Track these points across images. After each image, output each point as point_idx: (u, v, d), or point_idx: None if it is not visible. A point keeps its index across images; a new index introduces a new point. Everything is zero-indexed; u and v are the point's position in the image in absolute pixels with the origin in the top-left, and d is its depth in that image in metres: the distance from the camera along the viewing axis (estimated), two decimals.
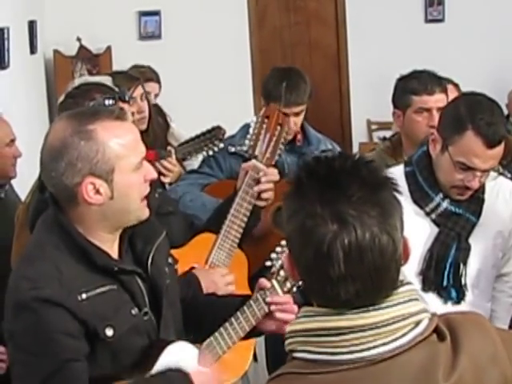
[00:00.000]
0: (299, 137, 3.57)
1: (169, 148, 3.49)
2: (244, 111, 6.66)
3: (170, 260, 2.20)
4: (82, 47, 6.83)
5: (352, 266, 1.30)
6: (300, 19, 7.67)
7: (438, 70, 3.43)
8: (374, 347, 1.31)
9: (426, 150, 2.72)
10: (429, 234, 2.70)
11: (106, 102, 2.63)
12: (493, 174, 2.76)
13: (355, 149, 7.51)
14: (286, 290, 2.31)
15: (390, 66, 5.58)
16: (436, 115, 3.20)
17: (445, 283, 2.71)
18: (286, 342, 1.40)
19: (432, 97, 3.27)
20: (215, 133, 3.42)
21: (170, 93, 5.33)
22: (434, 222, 2.71)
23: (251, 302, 2.26)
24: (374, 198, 1.32)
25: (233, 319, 2.25)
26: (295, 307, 2.23)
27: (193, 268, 2.79)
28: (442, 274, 2.70)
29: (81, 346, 1.91)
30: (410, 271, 2.64)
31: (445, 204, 2.69)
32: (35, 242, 2.03)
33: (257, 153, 3.04)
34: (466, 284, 2.73)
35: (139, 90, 3.61)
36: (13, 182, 3.73)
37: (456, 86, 3.79)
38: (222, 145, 3.41)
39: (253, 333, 2.30)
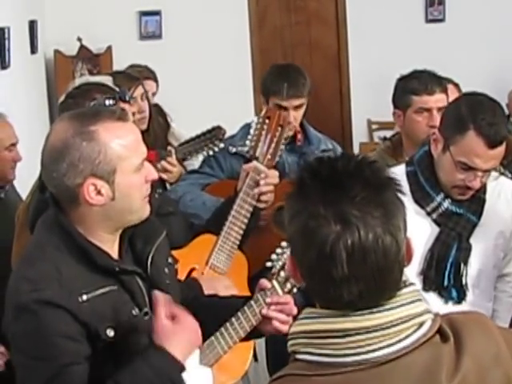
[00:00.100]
0: (300, 136, 3.57)
1: (169, 148, 3.49)
2: (244, 111, 6.67)
3: (169, 260, 2.20)
4: (82, 47, 6.84)
5: (355, 266, 1.29)
6: (300, 19, 7.67)
7: (438, 70, 3.43)
8: (380, 349, 1.31)
9: (428, 149, 2.72)
10: (430, 234, 2.70)
11: (107, 102, 2.62)
12: (494, 174, 2.76)
13: (356, 149, 7.51)
14: (286, 290, 2.32)
15: (391, 66, 5.57)
16: (436, 115, 3.20)
17: (445, 283, 2.71)
18: (289, 343, 1.39)
19: (432, 97, 3.27)
20: (215, 133, 3.42)
21: (170, 93, 5.33)
22: (435, 221, 2.71)
23: (252, 302, 2.26)
24: (377, 198, 1.31)
25: (233, 319, 2.25)
26: (295, 308, 2.23)
27: (193, 269, 2.79)
28: (443, 273, 2.70)
29: (81, 348, 1.90)
30: (411, 271, 2.63)
31: (446, 204, 2.69)
32: (35, 243, 2.03)
33: (258, 154, 3.04)
34: (466, 284, 2.73)
35: (140, 90, 3.61)
36: (13, 182, 3.73)
37: (456, 85, 3.79)
38: (222, 145, 3.41)
39: (253, 334, 2.30)
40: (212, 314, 2.28)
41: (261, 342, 3.71)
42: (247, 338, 2.32)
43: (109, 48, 6.90)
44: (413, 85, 3.30)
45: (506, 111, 6.18)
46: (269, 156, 3.04)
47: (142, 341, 2.01)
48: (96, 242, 1.97)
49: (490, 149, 2.55)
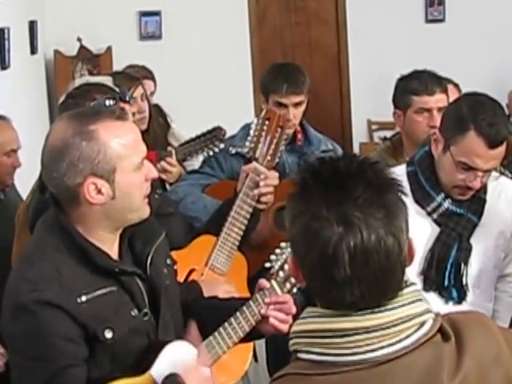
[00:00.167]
0: (300, 137, 3.57)
1: (169, 148, 3.49)
2: (244, 111, 6.67)
3: (168, 261, 2.19)
4: (82, 47, 6.84)
5: (357, 268, 1.29)
6: (300, 19, 7.67)
7: (438, 70, 3.43)
8: (380, 348, 1.31)
9: (428, 149, 2.72)
10: (430, 234, 2.70)
11: (107, 102, 2.62)
12: (494, 174, 2.76)
13: (356, 149, 7.51)
14: (285, 290, 2.31)
15: (391, 66, 5.57)
16: (436, 115, 3.20)
17: (446, 283, 2.71)
18: (290, 342, 1.40)
19: (432, 97, 3.27)
20: (216, 133, 3.41)
21: (170, 93, 5.33)
22: (436, 221, 2.71)
23: (250, 302, 2.26)
24: (379, 199, 1.31)
25: (232, 319, 2.25)
26: (294, 307, 2.23)
27: (193, 270, 2.79)
28: (443, 273, 2.70)
29: (79, 350, 1.90)
30: (411, 271, 2.59)
31: (446, 204, 2.69)
32: (35, 243, 2.03)
33: (257, 155, 3.04)
34: (467, 284, 2.72)
35: (139, 90, 3.60)
36: (14, 182, 3.72)
37: (456, 86, 3.78)
38: (222, 145, 3.40)
39: (253, 334, 2.29)
40: (212, 315, 2.28)
41: (261, 343, 3.71)
42: (247, 340, 2.32)
43: (109, 48, 6.90)
44: (413, 85, 3.30)
45: (506, 111, 6.18)
46: (268, 157, 3.04)
47: (140, 342, 2.01)
48: (96, 242, 1.97)
49: (491, 149, 2.55)
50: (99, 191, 1.92)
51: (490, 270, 2.77)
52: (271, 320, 2.22)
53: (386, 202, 1.32)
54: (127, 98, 2.84)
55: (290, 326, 2.10)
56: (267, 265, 2.39)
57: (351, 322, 1.32)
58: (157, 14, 7.21)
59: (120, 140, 1.93)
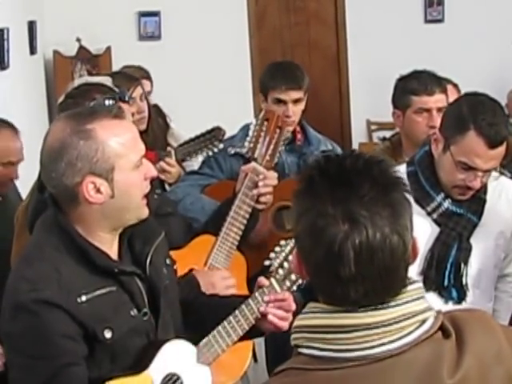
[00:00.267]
0: (299, 137, 3.57)
1: (168, 149, 3.49)
2: (244, 111, 6.67)
3: (167, 261, 2.19)
4: (81, 48, 6.84)
5: (362, 266, 1.30)
6: (300, 19, 7.67)
7: (437, 70, 3.43)
8: (381, 345, 1.32)
9: (428, 149, 2.72)
10: (430, 234, 2.70)
11: (106, 102, 2.62)
12: (494, 174, 2.76)
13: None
14: (285, 288, 2.31)
15: (390, 67, 5.57)
16: (436, 115, 3.21)
17: (446, 283, 2.71)
18: (292, 336, 1.40)
19: (432, 97, 3.27)
20: (215, 133, 3.41)
21: (169, 93, 5.33)
22: (436, 221, 2.71)
23: (250, 300, 2.26)
24: (385, 198, 1.32)
25: (231, 318, 2.25)
26: (293, 304, 2.23)
27: (192, 270, 2.79)
28: (443, 273, 2.70)
29: (80, 348, 1.90)
30: (411, 271, 2.62)
31: (446, 204, 2.69)
32: (34, 243, 2.03)
33: (256, 155, 3.04)
34: (466, 284, 2.72)
35: (139, 91, 3.60)
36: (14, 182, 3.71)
37: (455, 86, 3.78)
38: (221, 145, 3.40)
39: (253, 332, 2.29)
40: (212, 313, 2.28)
41: (260, 343, 3.72)
42: (248, 337, 2.32)
43: (108, 49, 6.90)
44: (412, 85, 3.30)
45: (506, 111, 6.18)
46: (267, 157, 3.04)
47: (140, 341, 2.01)
48: (95, 242, 1.97)
49: (491, 149, 2.55)
50: (98, 190, 1.92)
51: (489, 269, 2.77)
52: (270, 317, 2.22)
53: (391, 201, 1.32)
54: (126, 98, 2.83)
55: (290, 324, 2.11)
56: (266, 263, 2.39)
57: (353, 319, 1.32)
58: (156, 14, 7.21)
59: (118, 138, 1.93)
